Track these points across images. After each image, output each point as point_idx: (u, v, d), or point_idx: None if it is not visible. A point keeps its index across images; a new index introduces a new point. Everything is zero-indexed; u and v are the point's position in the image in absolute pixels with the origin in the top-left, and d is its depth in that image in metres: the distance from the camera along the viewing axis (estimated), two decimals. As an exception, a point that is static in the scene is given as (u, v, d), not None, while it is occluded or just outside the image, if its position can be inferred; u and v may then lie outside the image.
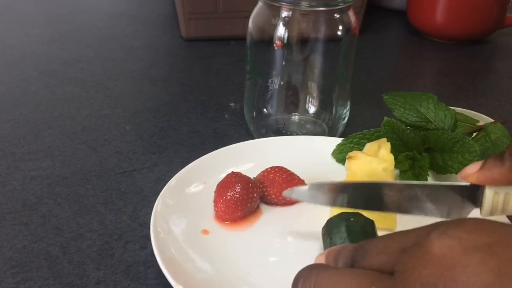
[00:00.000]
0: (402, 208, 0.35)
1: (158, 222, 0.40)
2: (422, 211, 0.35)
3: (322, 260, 0.29)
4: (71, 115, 0.60)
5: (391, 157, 0.42)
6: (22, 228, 0.43)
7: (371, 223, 0.37)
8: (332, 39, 0.51)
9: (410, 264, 0.22)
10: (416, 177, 0.45)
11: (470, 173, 0.32)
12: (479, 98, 0.68)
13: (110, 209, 0.45)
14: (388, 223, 0.41)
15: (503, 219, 0.39)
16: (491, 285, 0.20)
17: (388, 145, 0.43)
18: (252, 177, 0.44)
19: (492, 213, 0.32)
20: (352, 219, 0.36)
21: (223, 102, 0.64)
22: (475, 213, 0.33)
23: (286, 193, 0.38)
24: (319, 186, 0.37)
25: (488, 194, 0.31)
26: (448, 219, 0.25)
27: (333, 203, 0.37)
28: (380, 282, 0.22)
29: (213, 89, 0.67)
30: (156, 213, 0.40)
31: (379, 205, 0.36)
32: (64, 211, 0.45)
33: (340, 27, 0.50)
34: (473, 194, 0.33)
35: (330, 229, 0.37)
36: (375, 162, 0.41)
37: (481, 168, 0.31)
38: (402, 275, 0.22)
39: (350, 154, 0.43)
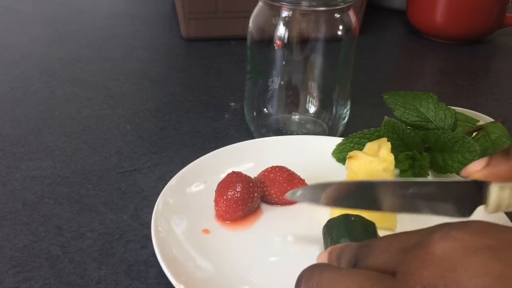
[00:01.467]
0: (407, 207, 0.34)
1: (159, 221, 0.40)
2: (427, 209, 0.34)
3: (324, 258, 0.29)
4: (71, 115, 0.60)
5: (391, 157, 0.42)
6: (23, 227, 0.43)
7: (372, 223, 0.37)
8: (332, 39, 0.51)
9: (412, 265, 0.22)
10: (416, 177, 0.45)
11: (475, 170, 0.31)
12: (479, 98, 0.68)
13: (111, 208, 0.46)
14: (388, 223, 0.41)
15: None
16: None
17: (389, 144, 0.43)
18: (252, 177, 0.44)
19: (498, 209, 0.31)
20: (352, 219, 0.36)
21: (223, 102, 0.64)
22: (480, 209, 0.32)
23: (288, 195, 0.37)
24: (320, 187, 0.36)
25: (494, 190, 0.31)
26: (454, 217, 0.25)
27: (334, 204, 0.36)
28: (381, 284, 0.22)
29: (213, 89, 0.67)
30: (157, 212, 0.40)
31: (383, 205, 0.34)
32: (65, 211, 0.45)
33: (340, 27, 0.50)
34: (477, 190, 0.32)
35: (330, 229, 0.37)
36: (375, 162, 0.41)
37: (487, 165, 0.31)
38: (403, 277, 0.22)
39: (351, 153, 0.43)
